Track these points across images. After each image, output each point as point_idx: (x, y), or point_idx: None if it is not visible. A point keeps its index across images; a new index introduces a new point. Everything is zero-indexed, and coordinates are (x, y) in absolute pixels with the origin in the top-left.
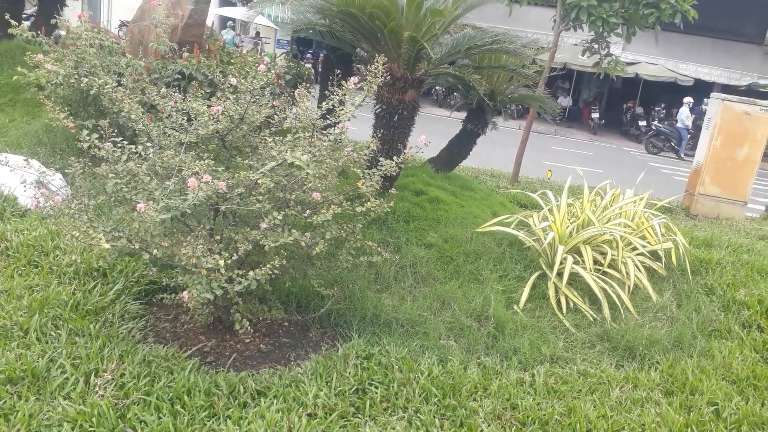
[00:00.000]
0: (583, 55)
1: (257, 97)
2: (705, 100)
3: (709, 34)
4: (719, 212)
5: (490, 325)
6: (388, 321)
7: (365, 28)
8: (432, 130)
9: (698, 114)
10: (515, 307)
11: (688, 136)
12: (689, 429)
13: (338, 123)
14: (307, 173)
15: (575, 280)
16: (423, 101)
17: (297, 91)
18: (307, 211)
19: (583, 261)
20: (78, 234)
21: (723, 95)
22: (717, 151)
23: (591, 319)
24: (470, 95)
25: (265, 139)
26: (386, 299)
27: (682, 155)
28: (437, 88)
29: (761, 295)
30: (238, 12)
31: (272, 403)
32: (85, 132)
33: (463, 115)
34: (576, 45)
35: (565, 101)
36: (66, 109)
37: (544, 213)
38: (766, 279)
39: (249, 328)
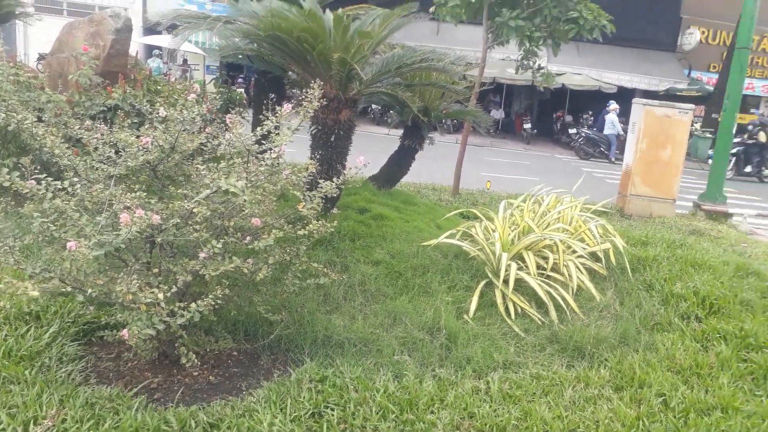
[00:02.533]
0: (517, 72)
1: (188, 125)
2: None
3: (628, 44)
4: (651, 211)
5: (443, 336)
6: (341, 341)
7: (294, 52)
8: (371, 148)
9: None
10: (465, 316)
11: (617, 141)
12: (640, 422)
13: (275, 147)
14: (244, 200)
15: (521, 286)
16: (360, 120)
17: (228, 117)
18: (248, 237)
19: (527, 267)
20: (2, 286)
21: (645, 100)
22: (644, 153)
23: (539, 322)
24: (405, 112)
25: (198, 167)
26: (337, 320)
27: (613, 159)
28: (373, 106)
29: (696, 286)
30: (164, 40)
31: None
32: (5, 170)
33: (401, 131)
34: (503, 60)
35: (498, 114)
36: None
37: (486, 223)
38: (700, 271)
39: (196, 360)
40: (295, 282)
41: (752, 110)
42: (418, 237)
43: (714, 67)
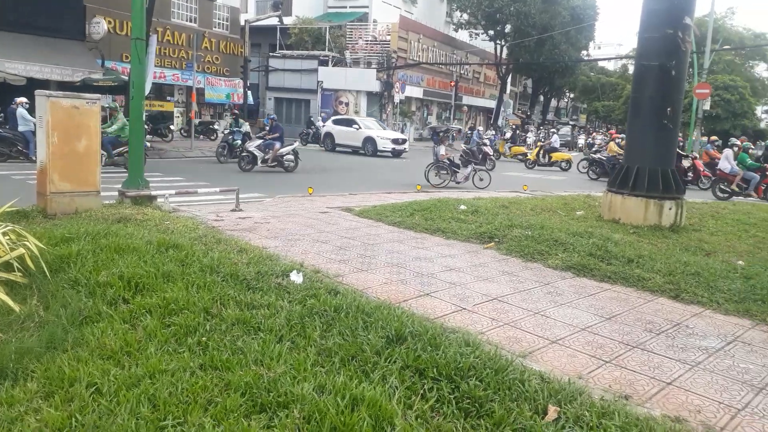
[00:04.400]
0: None
1: None
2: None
3: (34, 32)
4: (77, 206)
5: None
6: None
7: None
8: None
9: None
10: None
11: (35, 138)
12: (73, 419)
13: None
14: None
15: None
16: None
17: None
18: None
19: None
20: None
21: (48, 92)
22: (57, 147)
23: None
24: None
25: None
26: None
27: (34, 157)
28: None
29: (121, 271)
30: None
31: None
32: None
33: None
34: None
35: None
36: None
37: None
38: (124, 255)
39: None
40: None
41: (168, 98)
42: None
43: (126, 57)
